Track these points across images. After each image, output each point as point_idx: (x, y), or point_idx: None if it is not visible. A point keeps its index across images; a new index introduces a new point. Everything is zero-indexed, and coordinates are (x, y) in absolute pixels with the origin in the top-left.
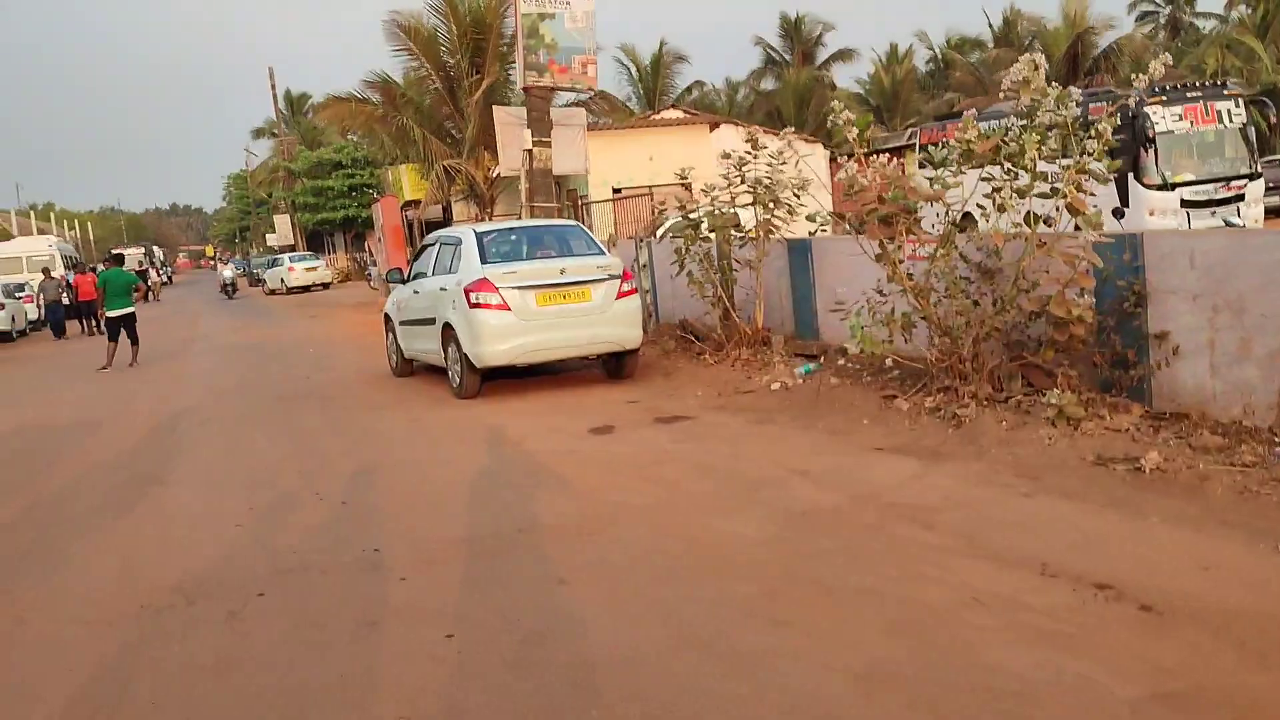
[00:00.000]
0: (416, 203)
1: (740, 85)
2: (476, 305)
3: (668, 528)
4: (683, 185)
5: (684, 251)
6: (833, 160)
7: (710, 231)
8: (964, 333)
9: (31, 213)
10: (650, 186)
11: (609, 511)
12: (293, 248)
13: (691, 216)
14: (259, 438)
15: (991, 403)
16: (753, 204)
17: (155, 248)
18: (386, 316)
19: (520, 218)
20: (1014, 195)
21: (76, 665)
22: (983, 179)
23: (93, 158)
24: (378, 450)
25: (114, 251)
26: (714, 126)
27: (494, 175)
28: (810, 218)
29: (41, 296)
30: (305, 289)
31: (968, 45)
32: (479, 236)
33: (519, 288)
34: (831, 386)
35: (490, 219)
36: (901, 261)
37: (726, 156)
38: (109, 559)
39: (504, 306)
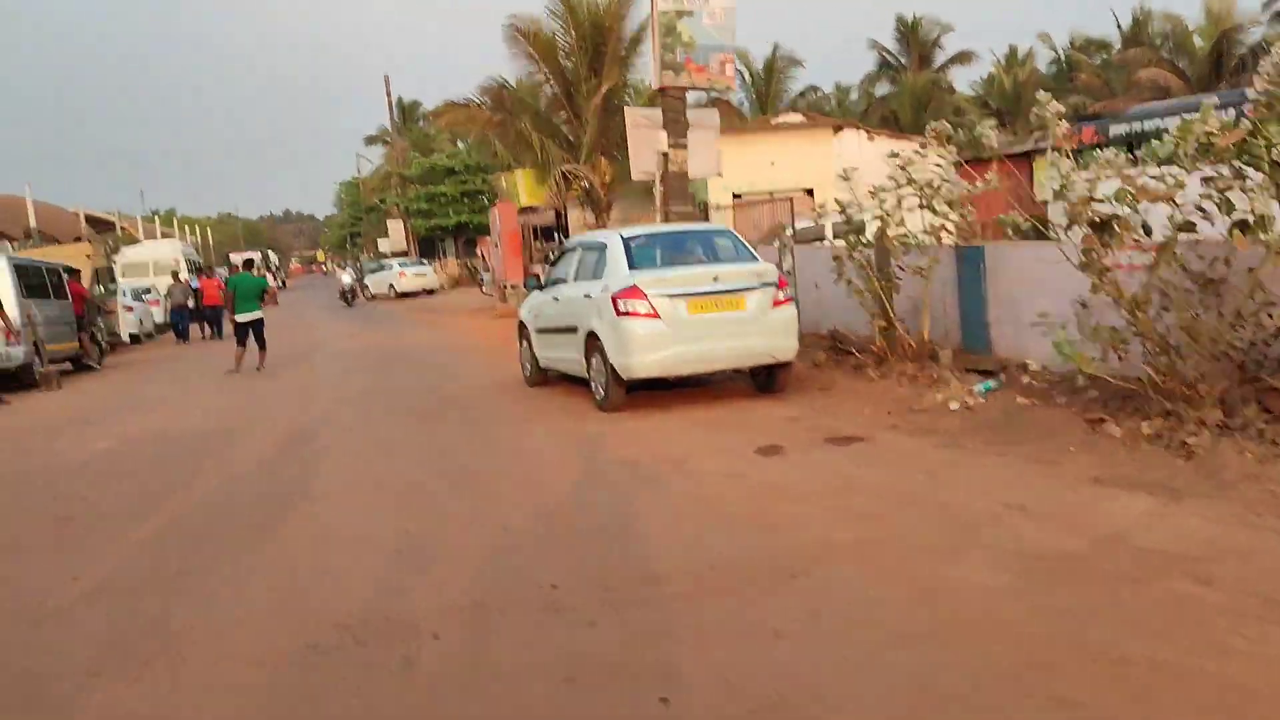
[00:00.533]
0: (532, 208)
1: (850, 90)
2: (625, 313)
3: (884, 571)
4: (806, 191)
5: (845, 258)
6: (958, 166)
7: (861, 235)
8: (1190, 351)
9: (156, 218)
10: (771, 192)
11: (810, 548)
12: (405, 254)
13: (854, 220)
14: (402, 451)
15: (1225, 430)
16: (920, 208)
17: (270, 252)
18: (521, 325)
19: (633, 223)
20: (1253, 195)
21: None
22: (1206, 179)
23: (210, 166)
24: (530, 467)
25: (244, 256)
26: (837, 130)
27: (609, 180)
28: (1003, 221)
29: (168, 301)
30: (413, 294)
31: (1093, 47)
32: (626, 241)
33: (669, 295)
34: (1021, 407)
35: (606, 225)
36: (1107, 270)
37: (895, 155)
38: (265, 587)
39: (653, 315)
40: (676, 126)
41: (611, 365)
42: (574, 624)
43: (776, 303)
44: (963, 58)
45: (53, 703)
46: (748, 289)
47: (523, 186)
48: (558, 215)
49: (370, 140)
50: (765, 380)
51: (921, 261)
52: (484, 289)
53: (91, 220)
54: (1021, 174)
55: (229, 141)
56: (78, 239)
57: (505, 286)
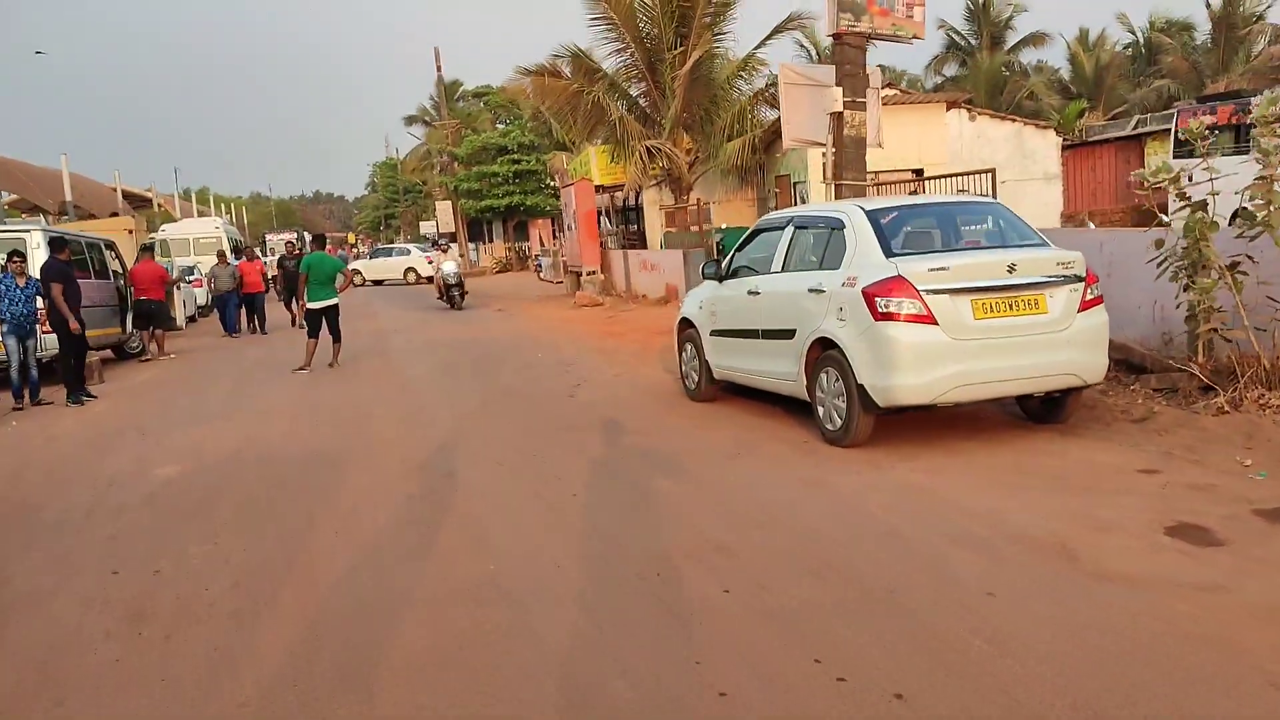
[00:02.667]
0: (604, 188)
1: (903, 73)
2: (886, 315)
3: None
4: (914, 173)
5: (1191, 249)
6: (1067, 148)
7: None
8: None
9: (193, 196)
10: (876, 173)
11: None
12: (453, 236)
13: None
14: (599, 504)
15: None
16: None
17: (305, 233)
18: (684, 322)
19: (722, 206)
20: None
21: None
22: None
23: (242, 145)
24: (807, 543)
25: (285, 237)
26: (951, 105)
27: (693, 159)
28: None
29: (212, 283)
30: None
31: (1174, 28)
32: (872, 216)
33: (949, 291)
34: None
35: (687, 208)
36: None
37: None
38: None
39: (928, 318)
40: (855, 82)
41: (861, 386)
42: None
43: (1085, 304)
44: (1036, 39)
45: None
46: (1049, 283)
47: (595, 165)
48: (627, 197)
49: (410, 120)
50: (1046, 408)
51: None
52: (540, 275)
53: (128, 196)
54: (1132, 158)
55: (260, 121)
56: (113, 214)
57: (581, 273)
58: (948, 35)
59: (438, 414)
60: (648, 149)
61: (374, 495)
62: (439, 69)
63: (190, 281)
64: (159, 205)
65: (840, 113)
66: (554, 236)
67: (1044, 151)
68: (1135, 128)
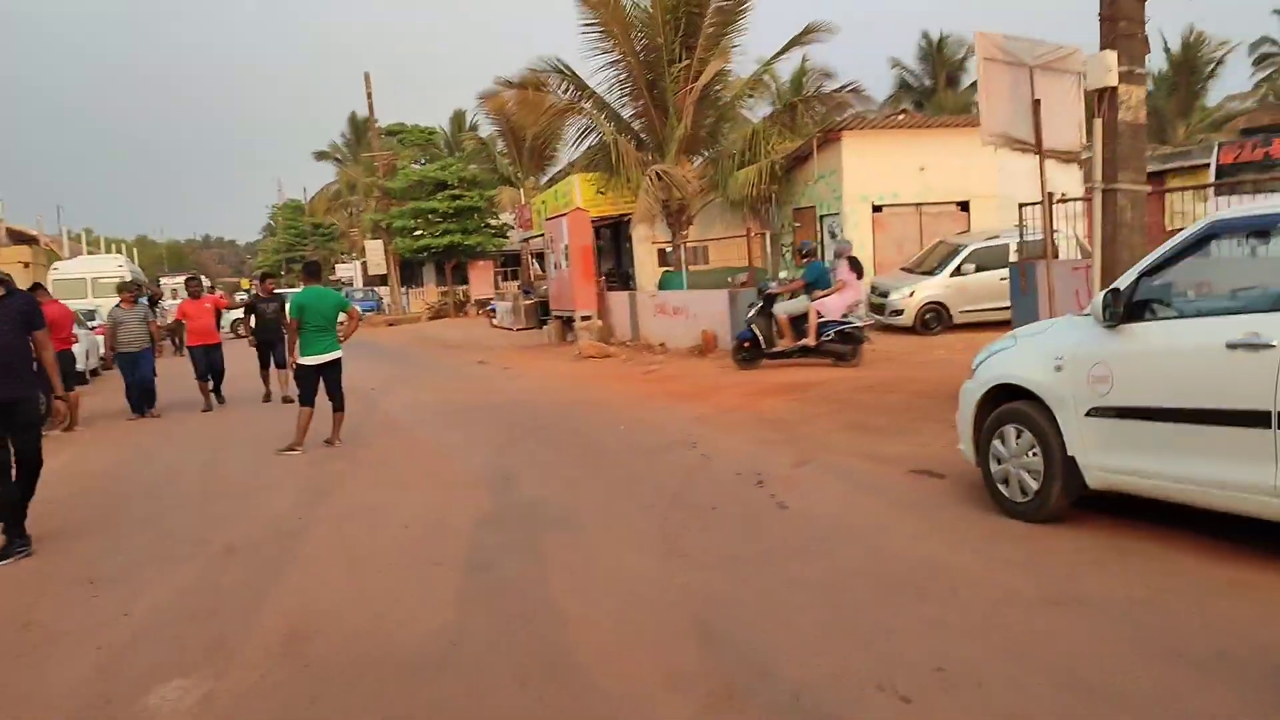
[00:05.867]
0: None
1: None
2: None
3: None
4: (958, 205)
5: None
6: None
7: None
8: None
9: (82, 236)
10: (919, 205)
11: None
12: (383, 279)
13: None
14: None
15: None
16: None
17: (202, 277)
18: (1001, 390)
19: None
20: None
21: None
22: None
23: (126, 187)
24: None
25: (178, 279)
26: None
27: (695, 189)
28: None
29: (114, 334)
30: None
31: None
32: None
33: None
34: None
35: (684, 243)
36: None
37: None
38: None
39: None
40: (1133, 45)
41: None
42: None
43: None
44: None
45: None
46: None
47: (578, 195)
48: (596, 232)
49: (321, 155)
50: None
51: None
52: (494, 321)
53: (12, 233)
54: (1152, 197)
55: (145, 163)
56: None
57: (573, 319)
58: (900, 74)
59: (593, 544)
60: (656, 174)
61: None
62: (369, 95)
63: (92, 329)
64: (45, 244)
65: (1113, 88)
66: (514, 276)
67: (1069, 187)
68: (1167, 163)
